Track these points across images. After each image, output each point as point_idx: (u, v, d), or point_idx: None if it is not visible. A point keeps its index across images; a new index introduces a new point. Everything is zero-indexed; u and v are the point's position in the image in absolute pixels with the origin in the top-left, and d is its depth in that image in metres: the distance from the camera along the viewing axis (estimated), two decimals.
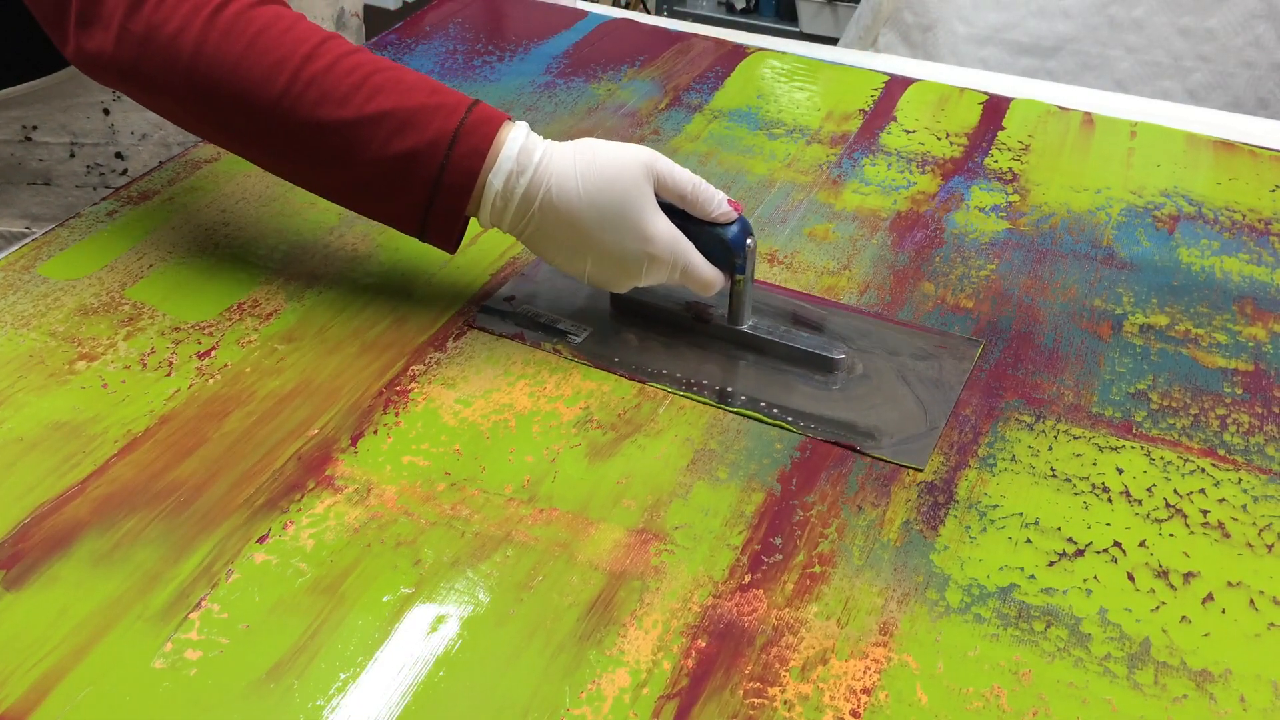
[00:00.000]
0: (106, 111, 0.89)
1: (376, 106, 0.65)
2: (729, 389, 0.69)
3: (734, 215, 0.69)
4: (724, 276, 0.70)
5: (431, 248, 0.77)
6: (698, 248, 0.69)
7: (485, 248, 0.79)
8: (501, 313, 0.74)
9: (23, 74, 0.86)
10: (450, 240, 0.69)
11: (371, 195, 0.68)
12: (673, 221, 0.68)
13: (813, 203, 0.88)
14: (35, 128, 0.88)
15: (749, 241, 0.69)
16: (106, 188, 0.91)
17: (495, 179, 0.66)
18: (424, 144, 0.65)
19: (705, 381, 0.69)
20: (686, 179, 0.67)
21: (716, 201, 0.68)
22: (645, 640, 0.53)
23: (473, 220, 0.70)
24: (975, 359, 0.72)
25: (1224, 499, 0.63)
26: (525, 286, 0.77)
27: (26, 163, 0.89)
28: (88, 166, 0.90)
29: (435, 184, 0.66)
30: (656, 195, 0.67)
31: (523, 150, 0.66)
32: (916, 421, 0.67)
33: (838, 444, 0.65)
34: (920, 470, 0.63)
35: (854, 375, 0.71)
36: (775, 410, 0.67)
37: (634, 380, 0.69)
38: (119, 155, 0.91)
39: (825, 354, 0.70)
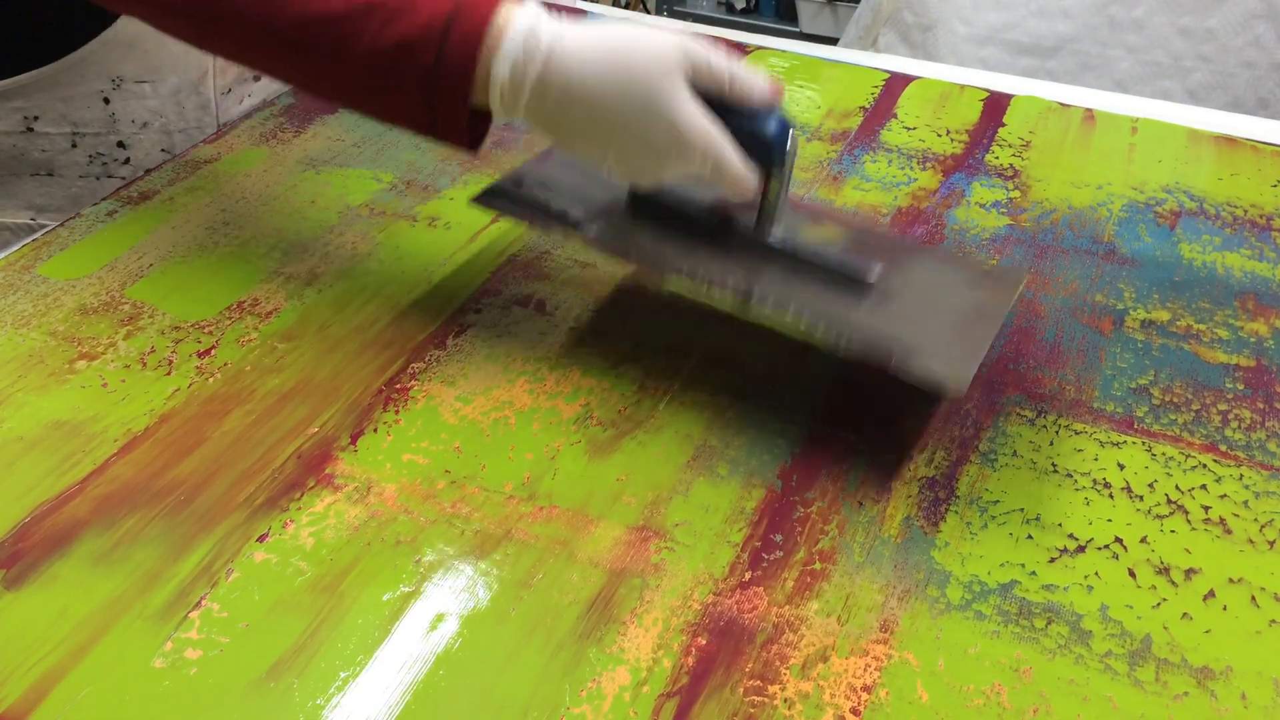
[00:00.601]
0: (107, 101, 0.89)
1: None
2: (753, 290, 0.63)
3: (775, 101, 0.63)
4: (759, 178, 0.64)
5: (429, 248, 0.77)
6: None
7: (486, 245, 0.79)
8: (509, 195, 0.70)
9: (21, 64, 0.86)
10: (463, 136, 0.63)
11: (371, 92, 0.64)
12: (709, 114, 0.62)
13: (813, 199, 0.88)
14: (36, 118, 0.88)
15: (791, 133, 0.62)
16: (110, 177, 0.91)
17: (500, 66, 0.61)
18: (416, 31, 0.61)
19: (729, 281, 0.64)
20: (724, 69, 0.62)
21: (759, 87, 0.63)
22: (645, 638, 0.53)
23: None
24: (1020, 289, 0.68)
25: (1225, 495, 0.63)
26: (535, 172, 0.72)
27: (29, 153, 0.89)
28: (90, 156, 0.90)
29: (434, 74, 0.61)
30: (693, 84, 0.62)
31: (531, 33, 0.60)
32: (952, 347, 0.61)
33: (870, 360, 0.61)
34: (961, 394, 0.59)
35: (887, 294, 0.65)
36: (805, 314, 0.62)
37: (651, 272, 0.64)
38: (121, 144, 0.91)
39: (859, 272, 0.65)
